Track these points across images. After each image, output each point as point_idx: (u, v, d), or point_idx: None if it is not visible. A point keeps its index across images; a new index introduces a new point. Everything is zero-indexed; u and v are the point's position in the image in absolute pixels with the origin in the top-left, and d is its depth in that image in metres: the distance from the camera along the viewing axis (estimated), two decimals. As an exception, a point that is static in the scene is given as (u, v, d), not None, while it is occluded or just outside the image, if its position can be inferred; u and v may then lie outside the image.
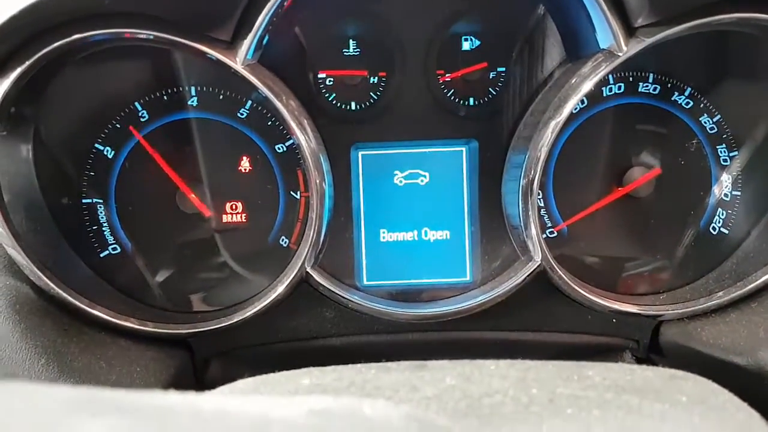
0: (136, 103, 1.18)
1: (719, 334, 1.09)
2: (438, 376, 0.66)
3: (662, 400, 0.62)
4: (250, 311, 1.14)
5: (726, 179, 1.22)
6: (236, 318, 1.14)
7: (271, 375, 0.72)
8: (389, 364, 0.72)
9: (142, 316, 1.14)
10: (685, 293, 1.20)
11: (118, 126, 1.18)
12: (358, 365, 0.72)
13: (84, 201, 1.20)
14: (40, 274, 1.05)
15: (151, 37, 1.00)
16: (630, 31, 1.02)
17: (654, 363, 1.21)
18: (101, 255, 1.21)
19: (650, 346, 1.21)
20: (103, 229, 1.21)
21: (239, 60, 1.03)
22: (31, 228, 1.10)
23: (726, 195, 1.23)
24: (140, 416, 0.31)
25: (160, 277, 1.23)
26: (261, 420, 0.34)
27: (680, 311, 1.15)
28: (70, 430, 0.29)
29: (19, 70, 0.99)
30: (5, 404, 0.32)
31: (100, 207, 1.20)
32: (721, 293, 1.14)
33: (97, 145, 1.18)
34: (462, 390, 0.62)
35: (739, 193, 1.22)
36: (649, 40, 1.00)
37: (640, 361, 1.23)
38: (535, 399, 0.60)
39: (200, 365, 1.21)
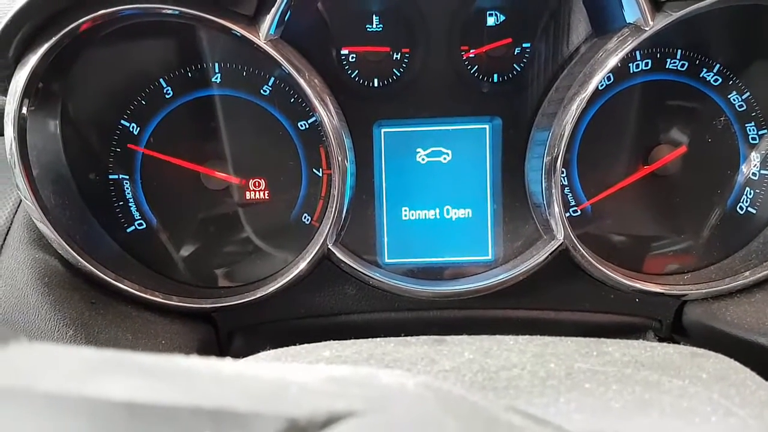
0: (161, 80, 1.18)
1: (744, 314, 1.08)
2: (457, 350, 0.66)
3: (682, 377, 0.62)
4: (272, 287, 1.15)
5: (754, 158, 1.20)
6: (259, 294, 1.16)
7: (293, 347, 0.73)
8: (409, 338, 0.72)
9: (167, 290, 1.16)
10: (710, 273, 1.19)
11: (143, 102, 1.19)
12: (378, 339, 0.72)
13: (110, 177, 1.22)
14: (68, 247, 1.08)
15: (176, 12, 1.01)
16: (657, 5, 1.00)
17: (677, 343, 1.20)
18: (128, 230, 1.23)
19: (673, 326, 1.20)
20: (130, 204, 1.23)
21: (262, 35, 1.04)
22: (59, 203, 1.12)
23: (754, 174, 1.20)
24: (161, 376, 0.32)
25: (185, 252, 1.25)
26: (279, 382, 0.35)
27: (705, 291, 1.14)
28: (93, 388, 0.30)
29: (46, 46, 1.00)
30: (30, 362, 0.33)
31: (126, 183, 1.22)
32: (746, 273, 1.13)
33: (122, 122, 1.20)
34: (480, 363, 0.62)
35: (767, 172, 1.20)
36: (675, 15, 0.98)
37: (662, 341, 1.21)
38: (553, 373, 0.60)
39: (224, 339, 1.23)
